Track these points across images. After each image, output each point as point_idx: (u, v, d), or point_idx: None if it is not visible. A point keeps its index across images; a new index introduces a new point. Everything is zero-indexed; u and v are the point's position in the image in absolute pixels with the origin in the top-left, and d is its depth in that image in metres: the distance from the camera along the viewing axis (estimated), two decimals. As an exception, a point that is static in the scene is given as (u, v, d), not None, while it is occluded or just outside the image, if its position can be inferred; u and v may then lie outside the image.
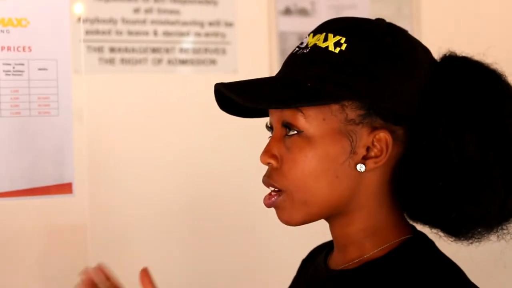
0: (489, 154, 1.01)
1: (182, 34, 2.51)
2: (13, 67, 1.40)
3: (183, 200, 2.49)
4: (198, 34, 2.53)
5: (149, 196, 2.43)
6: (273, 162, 1.06)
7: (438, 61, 1.09)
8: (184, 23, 2.52)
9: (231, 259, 2.53)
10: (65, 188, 1.43)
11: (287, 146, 1.05)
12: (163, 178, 2.46)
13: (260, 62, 2.58)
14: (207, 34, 2.54)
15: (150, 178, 2.43)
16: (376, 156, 1.03)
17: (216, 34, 2.55)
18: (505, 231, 1.07)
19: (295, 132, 1.04)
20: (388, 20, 1.09)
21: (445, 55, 1.09)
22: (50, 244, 1.60)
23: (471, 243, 1.08)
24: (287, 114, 1.05)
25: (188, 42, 2.52)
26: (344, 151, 1.03)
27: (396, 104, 1.03)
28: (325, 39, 1.04)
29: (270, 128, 1.10)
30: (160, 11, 2.48)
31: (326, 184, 1.04)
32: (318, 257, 1.21)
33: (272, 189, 1.08)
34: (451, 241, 1.09)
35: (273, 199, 1.07)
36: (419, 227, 1.13)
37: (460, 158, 1.00)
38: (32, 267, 1.61)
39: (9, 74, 1.40)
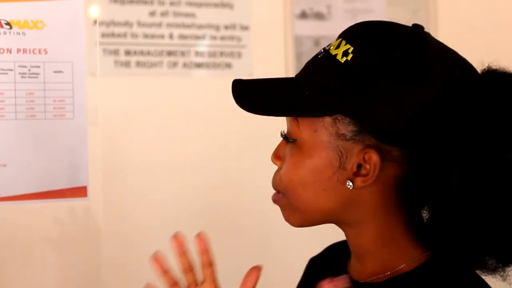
0: (471, 189, 0.94)
1: (197, 37, 2.51)
2: (29, 70, 1.40)
3: (198, 204, 2.48)
4: (213, 38, 2.53)
5: (163, 200, 2.43)
6: (277, 163, 1.09)
7: (480, 74, 1.01)
8: (200, 26, 2.51)
9: (246, 264, 2.52)
10: (80, 191, 1.43)
11: (287, 152, 1.06)
12: (178, 181, 2.45)
13: (276, 66, 2.57)
14: (222, 38, 2.53)
15: (165, 182, 2.43)
16: (365, 175, 1.00)
17: (231, 38, 2.55)
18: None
19: (292, 140, 1.04)
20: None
21: (484, 70, 1.01)
22: (64, 246, 1.60)
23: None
24: (288, 122, 1.06)
25: (203, 46, 2.52)
26: (331, 165, 1.01)
27: (392, 124, 0.97)
28: (338, 46, 1.02)
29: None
30: (175, 14, 2.48)
31: (314, 195, 1.03)
32: (335, 263, 1.19)
33: None
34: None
35: (276, 197, 1.09)
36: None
37: (446, 191, 0.95)
38: (47, 269, 1.61)
39: (24, 77, 1.40)
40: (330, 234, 1.26)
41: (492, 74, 1.00)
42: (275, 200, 1.10)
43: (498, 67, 1.01)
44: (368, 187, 1.01)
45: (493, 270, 1.00)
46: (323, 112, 1.00)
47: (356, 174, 1.01)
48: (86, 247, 1.60)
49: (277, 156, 1.08)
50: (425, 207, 1.03)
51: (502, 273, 1.00)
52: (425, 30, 1.03)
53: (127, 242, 2.36)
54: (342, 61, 1.00)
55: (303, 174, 1.03)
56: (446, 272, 1.02)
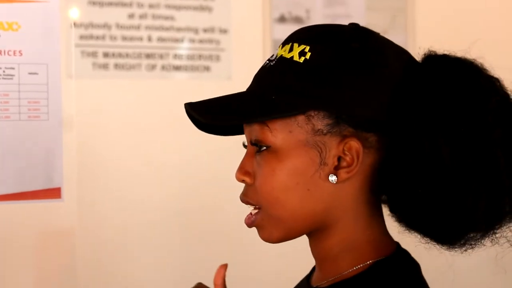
0: (465, 158, 0.95)
1: (176, 40, 2.52)
2: (4, 71, 1.40)
3: (173, 206, 2.48)
4: (192, 41, 2.53)
5: (138, 202, 2.43)
6: (246, 179, 1.05)
7: (420, 62, 1.04)
8: (179, 29, 2.52)
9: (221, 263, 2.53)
10: (54, 193, 1.43)
11: (258, 162, 1.03)
12: (154, 184, 2.45)
13: (254, 69, 2.55)
14: (201, 41, 2.54)
15: (140, 184, 2.43)
16: (348, 166, 1.00)
17: (210, 41, 2.55)
18: (497, 235, 1.01)
19: (264, 147, 1.02)
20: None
21: (424, 55, 1.05)
22: (38, 248, 1.60)
23: (465, 250, 1.02)
24: (255, 130, 1.02)
25: (182, 48, 2.52)
26: (313, 162, 1.00)
27: (365, 110, 0.99)
28: (291, 49, 1.01)
29: (245, 146, 1.09)
30: (154, 17, 2.48)
31: (298, 198, 1.01)
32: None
33: (252, 207, 1.06)
34: (445, 250, 1.03)
35: (252, 218, 1.06)
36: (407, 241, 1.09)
37: (434, 163, 0.96)
38: (20, 271, 1.60)
39: (-1, 78, 1.40)
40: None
41: (434, 57, 1.04)
42: (252, 221, 1.06)
43: (436, 51, 1.05)
44: (350, 179, 1.00)
45: (471, 244, 1.01)
46: (296, 110, 0.99)
47: (337, 167, 1.00)
48: (60, 248, 1.60)
49: (245, 172, 1.05)
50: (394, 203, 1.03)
51: (479, 242, 1.00)
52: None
53: (101, 244, 2.35)
54: (301, 61, 0.99)
55: (285, 178, 1.00)
56: (386, 280, 1.01)
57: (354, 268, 1.02)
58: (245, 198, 1.06)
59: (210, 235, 2.54)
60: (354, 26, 1.05)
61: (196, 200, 2.51)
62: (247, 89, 1.07)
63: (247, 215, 1.07)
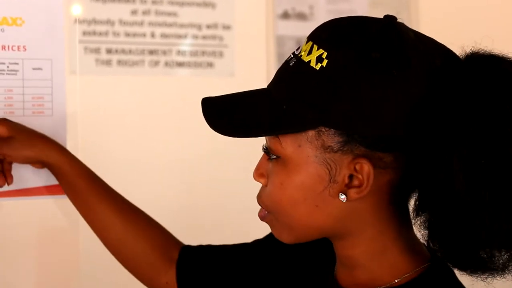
0: (481, 190, 0.88)
1: (179, 36, 2.51)
2: (8, 66, 1.39)
3: (178, 205, 2.47)
4: (195, 37, 2.52)
5: (143, 200, 2.41)
6: (261, 181, 1.03)
7: (463, 60, 0.95)
8: (182, 25, 2.51)
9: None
10: (57, 189, 1.42)
11: (270, 169, 1.01)
12: (158, 181, 2.44)
13: (257, 66, 2.57)
14: (204, 37, 2.53)
15: (145, 181, 2.42)
16: (359, 186, 0.95)
17: (213, 37, 2.54)
18: None
19: (275, 157, 0.99)
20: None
21: (466, 55, 0.96)
22: (41, 245, 1.60)
23: (486, 277, 0.95)
24: (268, 138, 1.00)
25: (185, 45, 2.51)
26: (321, 180, 0.95)
27: (379, 129, 0.92)
28: (310, 52, 0.95)
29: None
30: (157, 13, 2.48)
31: (306, 212, 0.98)
32: (321, 264, 1.14)
33: None
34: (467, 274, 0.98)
35: (264, 214, 1.05)
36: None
37: (446, 188, 0.89)
38: (24, 268, 1.60)
39: (3, 73, 1.39)
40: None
41: (476, 58, 0.95)
42: (262, 217, 1.05)
43: (480, 50, 0.96)
44: (364, 197, 0.96)
45: (502, 268, 0.93)
46: (305, 126, 0.94)
47: (349, 185, 0.96)
48: (63, 245, 1.59)
49: (260, 174, 1.03)
50: (419, 217, 0.98)
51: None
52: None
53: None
54: (317, 68, 0.93)
55: (292, 192, 0.97)
56: (439, 284, 0.99)
57: (396, 280, 0.99)
58: (259, 200, 1.04)
59: (212, 235, 2.53)
60: (385, 24, 0.96)
61: (198, 198, 2.50)
62: (268, 85, 1.02)
63: (261, 209, 1.05)
